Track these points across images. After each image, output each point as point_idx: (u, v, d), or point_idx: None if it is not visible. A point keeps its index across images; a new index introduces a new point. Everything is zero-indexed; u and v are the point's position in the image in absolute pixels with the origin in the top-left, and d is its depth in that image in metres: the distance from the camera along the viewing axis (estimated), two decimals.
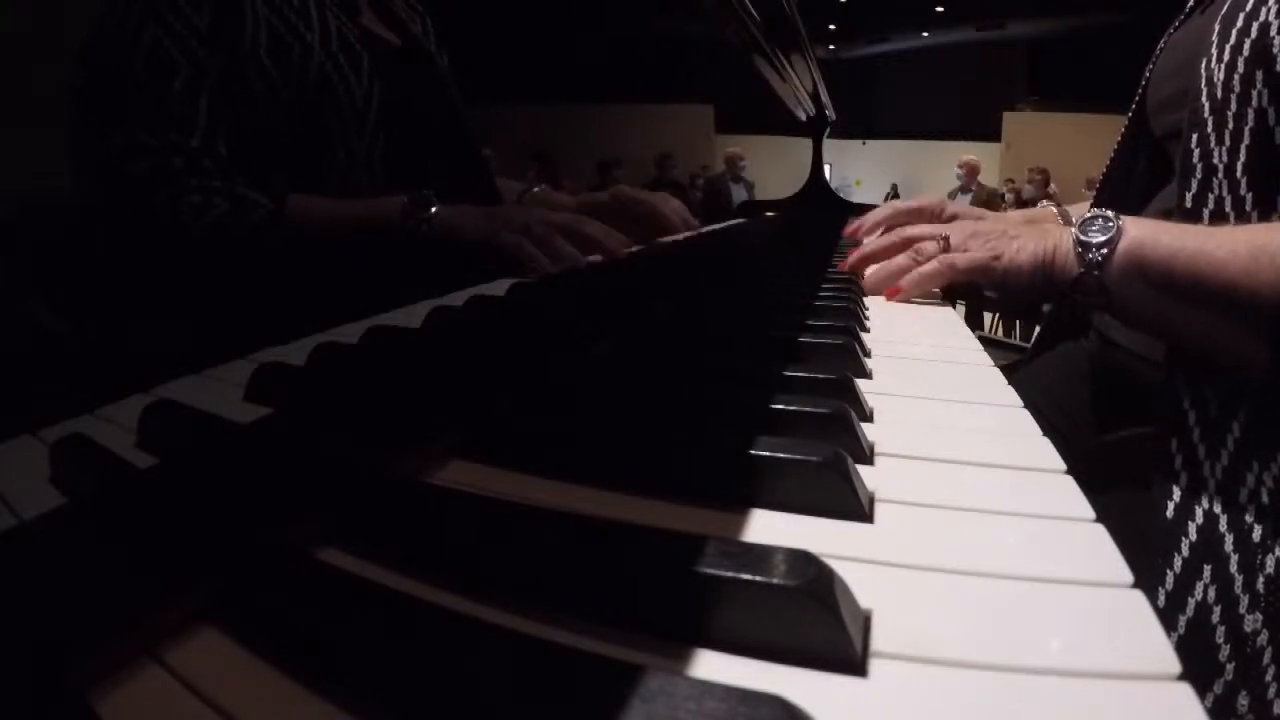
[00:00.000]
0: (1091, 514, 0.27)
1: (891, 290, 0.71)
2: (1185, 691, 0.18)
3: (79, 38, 0.45)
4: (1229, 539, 0.46)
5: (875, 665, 0.19)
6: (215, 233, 0.50)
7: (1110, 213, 0.53)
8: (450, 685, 0.17)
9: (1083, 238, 0.53)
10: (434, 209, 0.59)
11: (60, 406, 0.35)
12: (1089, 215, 0.54)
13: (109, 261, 0.45)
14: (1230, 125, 0.50)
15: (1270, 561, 0.44)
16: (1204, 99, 0.52)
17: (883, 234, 0.81)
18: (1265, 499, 0.45)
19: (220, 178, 0.51)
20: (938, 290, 0.74)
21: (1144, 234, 0.51)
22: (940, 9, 8.30)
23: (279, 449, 0.31)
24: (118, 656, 0.19)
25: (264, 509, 0.25)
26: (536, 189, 0.86)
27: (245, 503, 0.26)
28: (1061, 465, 0.32)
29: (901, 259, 0.73)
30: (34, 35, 0.38)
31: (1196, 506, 0.47)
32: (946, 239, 0.69)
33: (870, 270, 0.78)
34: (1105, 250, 0.51)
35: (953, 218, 0.81)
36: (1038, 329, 0.99)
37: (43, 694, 0.17)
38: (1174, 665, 0.19)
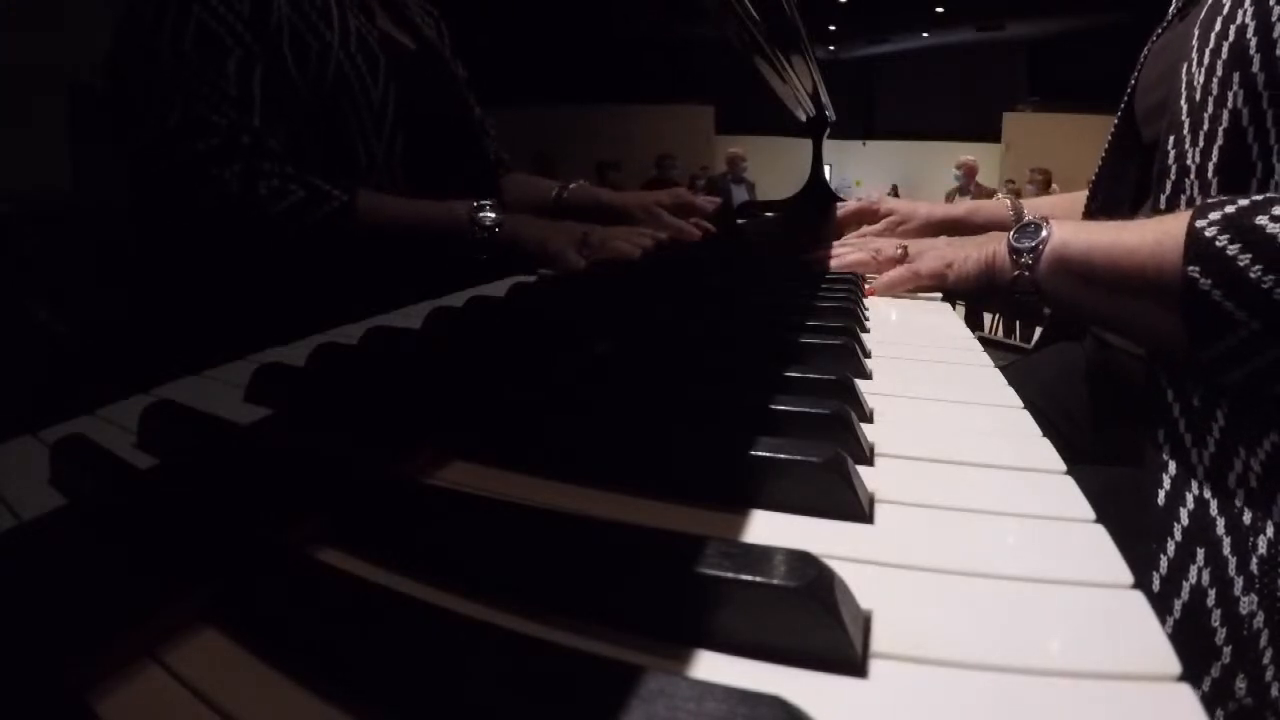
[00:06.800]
0: (1091, 514, 0.27)
1: (868, 290, 0.82)
2: (1185, 692, 0.18)
3: (79, 38, 0.45)
4: (1220, 523, 0.46)
5: (875, 666, 0.19)
6: (289, 218, 0.50)
7: (1040, 219, 0.60)
8: (450, 685, 0.17)
9: (1015, 244, 0.61)
10: (498, 216, 0.61)
11: (60, 406, 0.35)
12: (1024, 223, 0.62)
13: (112, 261, 0.45)
14: (1205, 127, 0.51)
15: (1262, 543, 0.44)
16: (1182, 101, 0.53)
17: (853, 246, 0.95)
18: (1253, 483, 0.46)
19: (288, 162, 0.51)
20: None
21: (1066, 234, 0.58)
22: (940, 9, 8.28)
23: (279, 449, 0.31)
24: (118, 657, 0.19)
25: (264, 509, 0.25)
26: (574, 185, 0.86)
27: (245, 503, 0.26)
28: (1061, 465, 0.32)
29: (863, 256, 0.87)
30: (34, 35, 0.38)
31: (1187, 493, 0.48)
32: (905, 248, 0.82)
33: (838, 257, 0.92)
34: (1034, 253, 0.59)
35: (890, 212, 0.99)
36: (1038, 330, 1.03)
37: (42, 694, 0.17)
38: (1174, 666, 0.19)
